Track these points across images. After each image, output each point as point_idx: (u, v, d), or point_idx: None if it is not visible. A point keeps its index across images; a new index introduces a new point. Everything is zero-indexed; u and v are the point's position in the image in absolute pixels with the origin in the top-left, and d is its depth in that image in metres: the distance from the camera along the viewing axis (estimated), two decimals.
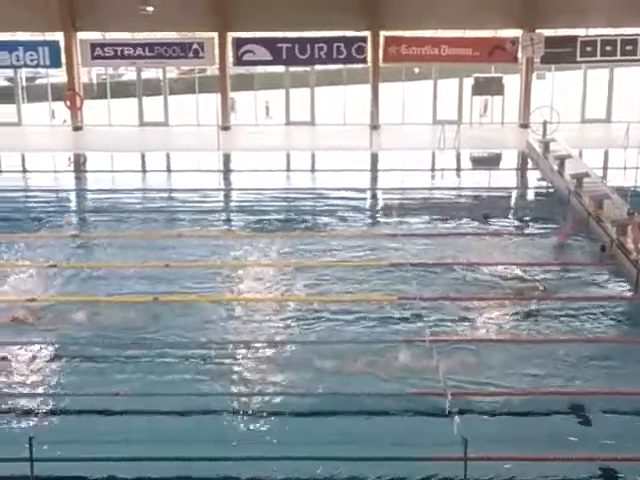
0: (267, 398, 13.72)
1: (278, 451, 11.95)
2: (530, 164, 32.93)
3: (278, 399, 13.70)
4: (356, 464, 11.69)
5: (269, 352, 15.47)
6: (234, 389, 14.05)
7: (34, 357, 15.27)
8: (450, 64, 39.84)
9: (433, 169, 33.94)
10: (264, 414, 13.13)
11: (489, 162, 34.67)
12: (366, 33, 39.23)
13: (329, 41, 39.45)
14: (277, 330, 16.47)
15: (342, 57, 39.68)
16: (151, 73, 43.48)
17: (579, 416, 13.30)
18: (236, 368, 14.75)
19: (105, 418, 13.14)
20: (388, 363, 14.78)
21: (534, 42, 38.42)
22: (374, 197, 29.17)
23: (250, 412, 13.22)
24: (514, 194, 29.51)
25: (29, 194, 29.60)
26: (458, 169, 33.73)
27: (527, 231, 23.84)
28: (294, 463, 11.65)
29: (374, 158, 34.67)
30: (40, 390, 14.02)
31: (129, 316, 17.06)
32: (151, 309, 17.38)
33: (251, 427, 12.80)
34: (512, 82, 40.43)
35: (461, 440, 11.01)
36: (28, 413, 13.17)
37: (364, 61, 39.74)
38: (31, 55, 40.06)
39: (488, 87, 40.76)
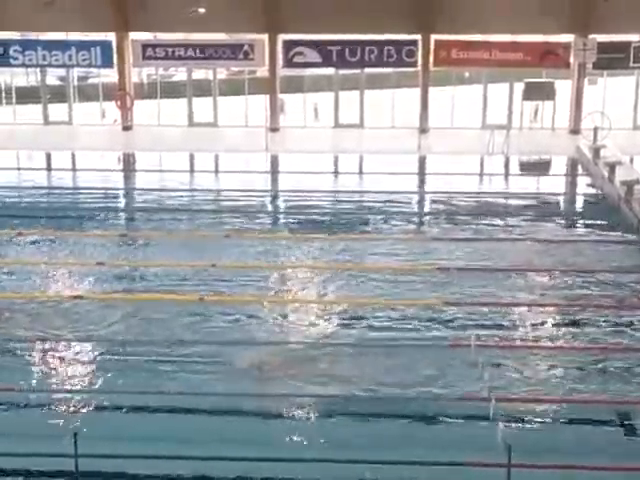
0: (315, 400, 13.69)
1: (330, 454, 11.94)
2: (580, 170, 32.60)
3: (326, 402, 13.66)
4: (398, 467, 11.63)
5: (312, 353, 15.44)
6: (280, 391, 14.02)
7: (81, 353, 15.40)
8: (501, 68, 39.53)
9: (481, 174, 33.73)
10: (317, 415, 13.13)
11: (538, 168, 34.36)
12: (417, 36, 39.08)
13: (379, 44, 39.36)
14: (319, 332, 16.46)
15: (392, 60, 39.57)
16: (201, 74, 43.63)
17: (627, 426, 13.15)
18: (281, 369, 14.74)
19: (150, 415, 13.20)
20: (432, 367, 14.73)
21: (586, 47, 38.03)
22: (421, 200, 29.04)
23: (301, 414, 13.22)
24: (563, 200, 29.23)
25: (79, 192, 29.83)
26: (506, 174, 33.49)
27: (575, 238, 23.60)
28: (338, 466, 11.63)
29: (422, 161, 34.54)
30: (86, 387, 14.10)
31: (172, 314, 17.17)
32: (196, 308, 17.45)
33: (296, 429, 12.79)
34: (563, 87, 40.03)
35: (505, 446, 10.91)
36: (73, 409, 13.26)
37: (414, 64, 39.60)
38: (83, 55, 40.41)
39: (539, 92, 40.36)
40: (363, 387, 13.98)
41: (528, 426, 12.90)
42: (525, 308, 17.82)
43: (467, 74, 42.34)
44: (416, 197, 29.23)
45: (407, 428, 12.89)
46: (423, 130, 38.53)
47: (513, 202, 27.71)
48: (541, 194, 29.15)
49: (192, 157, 36.28)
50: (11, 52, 40.39)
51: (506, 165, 34.00)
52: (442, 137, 38.21)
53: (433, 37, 38.98)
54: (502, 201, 27.88)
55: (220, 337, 16.01)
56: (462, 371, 14.52)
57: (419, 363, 14.85)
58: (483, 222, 24.66)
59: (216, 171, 34.90)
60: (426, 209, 27.92)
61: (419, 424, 12.99)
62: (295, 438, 12.43)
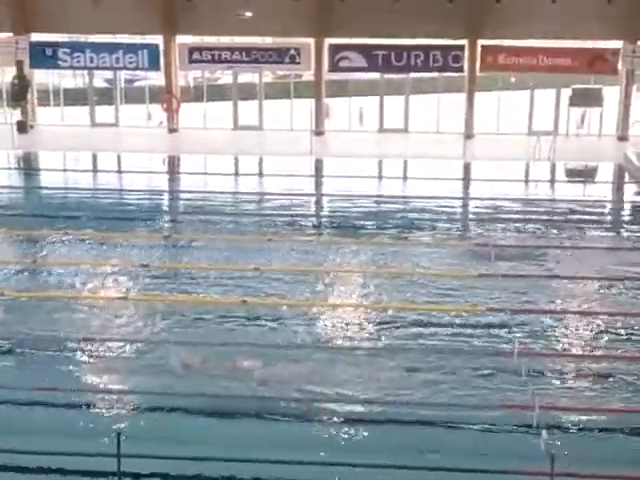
0: (344, 406, 13.67)
1: (376, 459, 11.92)
2: (627, 177, 32.28)
3: (359, 407, 13.64)
4: (440, 474, 11.58)
5: (356, 358, 15.42)
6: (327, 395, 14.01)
7: (123, 354, 15.49)
8: (548, 74, 39.24)
9: (527, 180, 33.48)
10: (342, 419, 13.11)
11: (584, 174, 34.05)
12: (463, 42, 38.92)
13: (425, 49, 39.22)
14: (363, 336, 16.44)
15: (438, 65, 39.41)
16: (247, 77, 43.74)
17: None
18: (329, 372, 14.73)
19: (190, 417, 13.24)
20: (472, 374, 14.66)
21: (635, 54, 37.64)
22: (465, 206, 28.91)
23: (335, 419, 13.21)
24: (610, 207, 28.95)
25: (124, 194, 30.06)
26: (552, 181, 33.24)
27: (624, 245, 23.39)
28: (382, 471, 11.61)
29: (467, 167, 34.39)
30: (129, 388, 14.17)
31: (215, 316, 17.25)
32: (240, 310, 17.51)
33: (334, 432, 12.78)
34: (611, 94, 39.64)
35: (548, 455, 10.81)
36: (117, 410, 13.34)
37: (460, 70, 39.42)
38: (130, 58, 40.67)
39: (586, 98, 39.94)
40: (398, 393, 13.96)
41: (572, 435, 12.78)
42: (573, 316, 17.66)
43: (513, 79, 42.04)
44: (461, 203, 29.09)
45: (449, 435, 12.82)
46: (468, 136, 38.34)
47: (558, 209, 27.48)
48: (587, 201, 28.87)
49: (237, 160, 36.38)
50: (60, 54, 40.76)
51: (552, 172, 33.71)
52: (488, 143, 38.00)
53: (480, 42, 38.78)
54: (547, 208, 27.65)
55: (261, 340, 16.03)
56: (506, 378, 14.43)
57: (462, 370, 14.79)
58: (528, 228, 24.49)
59: (260, 174, 34.97)
60: (470, 215, 27.78)
61: (462, 431, 12.91)
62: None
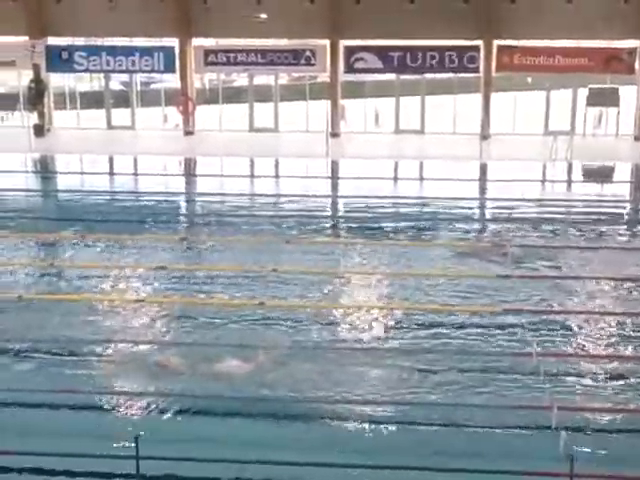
0: (363, 407, 13.65)
1: (395, 460, 11.90)
2: None
3: (378, 408, 13.61)
4: (459, 475, 11.54)
5: (371, 359, 15.40)
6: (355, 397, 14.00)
7: (140, 356, 15.50)
8: (564, 74, 39.11)
9: (544, 180, 33.39)
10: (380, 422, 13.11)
11: (601, 174, 33.92)
12: (478, 42, 38.85)
13: (441, 50, 39.19)
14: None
15: (454, 66, 39.39)
16: (262, 79, 43.77)
17: None
18: (347, 373, 14.71)
19: (209, 419, 13.24)
20: (491, 374, 14.62)
21: None
22: (483, 207, 28.84)
23: (354, 420, 13.19)
24: (627, 207, 28.83)
25: (141, 196, 30.10)
26: (569, 181, 33.12)
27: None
28: (400, 473, 11.59)
29: (483, 168, 34.31)
30: (147, 390, 14.18)
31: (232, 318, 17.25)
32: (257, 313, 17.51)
33: (371, 435, 12.77)
34: (628, 93, 39.48)
35: (567, 456, 10.76)
36: (135, 412, 13.35)
37: (476, 70, 39.36)
38: (146, 60, 40.79)
39: (603, 98, 39.77)
40: (417, 393, 13.94)
41: (591, 435, 12.71)
42: (593, 316, 17.58)
43: (529, 80, 41.93)
44: (478, 203, 29.03)
45: (468, 436, 12.77)
46: (484, 136, 38.25)
47: (576, 209, 27.39)
48: (604, 201, 28.75)
49: (252, 162, 36.41)
50: (76, 57, 40.92)
51: (569, 172, 33.59)
52: (504, 143, 37.91)
53: (495, 42, 38.72)
54: (565, 209, 27.55)
55: (278, 341, 16.03)
56: (524, 379, 14.38)
57: (481, 370, 14.75)
58: (546, 228, 24.42)
59: (276, 176, 34.98)
60: (488, 215, 27.70)
61: (480, 432, 12.86)
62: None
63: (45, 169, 36.12)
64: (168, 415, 13.21)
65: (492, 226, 25.37)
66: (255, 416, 13.17)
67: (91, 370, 14.77)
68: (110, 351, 15.72)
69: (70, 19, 39.78)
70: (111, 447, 11.95)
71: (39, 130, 40.02)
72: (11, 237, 23.20)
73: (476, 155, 34.69)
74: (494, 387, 14.17)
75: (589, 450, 11.98)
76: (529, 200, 27.99)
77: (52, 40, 40.92)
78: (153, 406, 13.47)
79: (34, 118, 40.54)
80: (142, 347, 15.95)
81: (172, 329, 16.80)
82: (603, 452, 12.12)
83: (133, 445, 10.82)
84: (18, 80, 42.83)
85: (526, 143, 38.10)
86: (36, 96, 40.53)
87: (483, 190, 32.10)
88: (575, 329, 16.93)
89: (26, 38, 40.19)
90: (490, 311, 17.63)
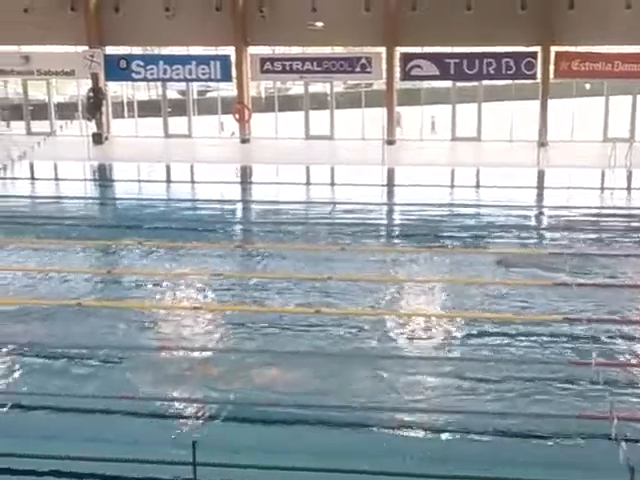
0: (421, 415, 13.55)
1: (452, 469, 11.82)
2: None
3: (434, 417, 13.50)
4: None
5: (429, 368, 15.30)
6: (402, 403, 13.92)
7: (197, 364, 15.55)
8: (623, 80, 38.66)
9: (602, 188, 32.96)
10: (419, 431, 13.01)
11: None
12: (536, 48, 38.55)
13: (498, 56, 38.98)
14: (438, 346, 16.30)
15: (511, 72, 39.14)
16: (318, 87, 43.88)
17: None
18: (404, 381, 14.63)
19: (264, 426, 13.23)
20: (550, 383, 14.45)
21: None
22: (540, 215, 28.56)
23: (411, 429, 13.12)
24: None
25: (197, 204, 30.27)
26: (629, 188, 32.68)
27: None
28: None
29: (541, 175, 33.99)
30: (204, 397, 14.21)
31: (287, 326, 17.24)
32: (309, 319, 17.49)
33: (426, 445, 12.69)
34: None
35: (628, 467, 10.58)
36: (193, 418, 13.38)
37: (533, 77, 39.07)
38: (203, 69, 41.10)
39: None
40: (474, 402, 13.82)
41: None
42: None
43: (588, 86, 41.52)
44: (535, 211, 28.76)
45: (525, 445, 12.62)
46: (542, 143, 37.92)
47: (635, 217, 27.01)
48: None
49: (308, 170, 36.45)
50: (134, 67, 41.35)
51: (629, 179, 33.15)
52: (562, 150, 37.54)
53: (553, 49, 38.39)
54: (624, 216, 27.18)
55: (334, 349, 15.99)
56: (584, 388, 14.19)
57: (538, 379, 14.59)
58: (602, 237, 24.10)
59: (332, 184, 34.98)
60: (545, 223, 27.42)
61: (538, 442, 12.70)
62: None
63: (103, 177, 36.50)
64: (224, 422, 13.22)
65: (550, 234, 25.12)
66: (310, 424, 13.14)
67: (147, 376, 14.84)
68: (166, 358, 15.79)
69: (128, 28, 40.22)
70: (168, 453, 11.98)
71: (97, 138, 40.52)
72: (70, 244, 23.44)
73: (533, 162, 34.37)
74: (553, 396, 13.99)
75: None
76: (586, 208, 27.65)
77: (110, 49, 41.40)
78: (209, 413, 13.49)
79: (93, 127, 41.02)
80: (197, 354, 16.00)
81: (227, 336, 16.81)
82: None
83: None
84: (77, 89, 43.37)
85: (584, 150, 37.70)
86: (95, 105, 41.03)
87: (540, 197, 31.80)
88: (636, 338, 16.67)
89: (85, 48, 40.69)
90: (549, 319, 17.43)
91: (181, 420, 13.35)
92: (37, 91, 44.73)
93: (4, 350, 15.93)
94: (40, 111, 43.89)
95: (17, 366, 15.40)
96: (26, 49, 41.90)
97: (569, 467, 11.92)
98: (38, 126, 42.96)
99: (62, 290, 19.68)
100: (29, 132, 43.11)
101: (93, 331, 16.95)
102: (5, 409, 13.57)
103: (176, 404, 13.88)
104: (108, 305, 18.57)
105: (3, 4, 40.37)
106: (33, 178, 35.76)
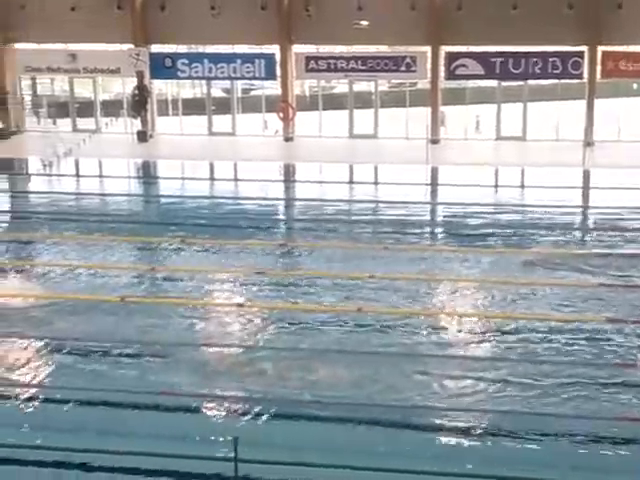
0: (462, 416, 13.47)
1: (494, 471, 11.77)
2: None
3: (475, 418, 13.41)
4: None
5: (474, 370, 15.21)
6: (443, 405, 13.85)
7: (242, 359, 15.58)
8: None
9: None
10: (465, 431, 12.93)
11: None
12: (583, 48, 38.20)
13: (544, 56, 38.67)
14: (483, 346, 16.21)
15: (557, 72, 38.80)
16: (362, 86, 43.79)
17: None
18: (446, 382, 14.56)
19: (306, 423, 13.22)
20: (593, 386, 14.30)
21: None
22: (585, 215, 28.30)
23: (453, 430, 13.05)
24: None
25: (241, 202, 30.34)
26: None
27: None
28: None
29: (586, 175, 33.67)
30: (245, 393, 14.22)
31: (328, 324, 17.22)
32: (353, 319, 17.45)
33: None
34: None
35: None
36: (233, 414, 13.40)
37: (580, 76, 38.72)
38: (247, 67, 41.18)
39: None
40: (515, 403, 13.71)
41: None
42: None
43: (635, 86, 41.07)
44: (580, 211, 28.50)
45: (569, 448, 12.50)
46: (588, 143, 37.56)
47: None
48: None
49: (352, 168, 36.40)
50: (179, 65, 41.52)
51: None
52: (609, 150, 37.17)
53: (600, 48, 38.01)
54: None
55: (376, 348, 15.95)
56: (629, 390, 14.03)
57: (582, 381, 14.45)
58: None
59: (375, 182, 34.91)
60: (590, 224, 27.16)
61: (581, 444, 12.56)
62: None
63: (147, 174, 36.71)
64: (265, 419, 13.22)
65: (595, 234, 24.89)
66: (352, 422, 13.11)
67: (190, 373, 14.89)
68: (208, 354, 15.84)
69: (173, 27, 40.39)
70: (209, 449, 12.01)
71: (142, 136, 40.74)
72: (114, 240, 23.59)
73: (579, 162, 34.05)
74: (596, 398, 13.84)
75: None
76: (632, 208, 27.34)
77: (156, 48, 41.62)
78: (251, 409, 13.49)
79: (137, 124, 41.27)
80: (239, 351, 16.03)
81: (269, 333, 16.82)
82: None
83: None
84: (122, 87, 43.68)
85: (631, 150, 37.28)
86: (140, 103, 41.24)
87: (586, 197, 31.52)
88: None
89: (131, 46, 40.94)
90: (592, 320, 17.25)
91: (222, 416, 13.38)
92: (83, 89, 45.07)
93: (48, 345, 16.05)
94: (86, 109, 44.21)
95: (60, 361, 15.52)
96: (73, 47, 42.25)
97: (614, 471, 11.79)
98: (84, 123, 43.27)
99: (106, 286, 19.81)
100: (75, 129, 43.43)
101: (136, 327, 17.05)
102: (48, 405, 13.74)
103: (217, 400, 13.91)
104: (151, 301, 18.67)
105: (51, 2, 40.73)
106: (78, 175, 36.02)
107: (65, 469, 11.91)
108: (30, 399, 13.93)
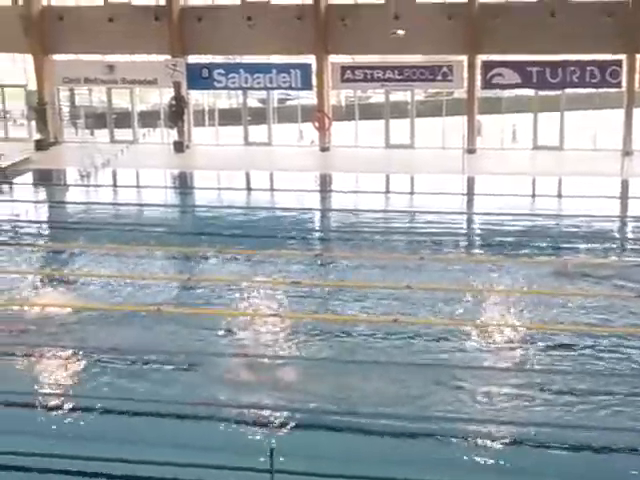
0: (498, 427, 13.37)
1: None
2: None
3: (512, 428, 13.31)
4: None
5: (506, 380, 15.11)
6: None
7: (278, 371, 15.57)
8: None
9: None
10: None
11: None
12: (621, 56, 37.90)
13: (581, 65, 38.35)
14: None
15: (595, 81, 38.46)
16: (398, 95, 43.68)
17: None
18: (483, 393, 14.48)
19: (339, 435, 13.18)
20: (629, 397, 14.19)
21: None
22: (623, 225, 28.05)
23: (490, 440, 12.95)
24: None
25: (277, 212, 30.36)
26: None
27: None
28: None
29: (625, 185, 33.38)
30: (282, 404, 14.20)
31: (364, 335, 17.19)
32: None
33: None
34: None
35: None
36: (269, 425, 13.40)
37: (618, 85, 38.39)
38: (283, 77, 41.23)
39: None
40: (550, 415, 13.59)
41: None
42: None
43: None
44: (618, 221, 28.26)
45: (607, 458, 12.39)
46: (627, 152, 37.24)
47: None
48: None
49: (388, 178, 36.33)
50: (215, 75, 41.65)
51: None
52: None
53: (639, 57, 37.68)
54: None
55: (411, 359, 15.90)
56: None
57: (618, 392, 14.33)
58: None
59: (412, 192, 34.80)
60: (628, 234, 26.92)
61: (617, 455, 12.46)
62: None
63: (184, 185, 36.85)
64: (301, 430, 13.20)
65: (633, 245, 24.67)
66: (387, 434, 13.07)
67: (224, 383, 14.91)
68: (243, 364, 15.85)
69: (210, 38, 40.52)
70: (245, 459, 12.01)
71: (179, 146, 40.91)
72: (151, 251, 23.70)
73: (617, 172, 33.77)
74: (632, 409, 13.72)
75: None
76: None
77: (192, 58, 41.81)
78: (286, 420, 13.48)
79: (174, 135, 41.46)
80: (274, 362, 16.02)
81: (304, 344, 16.82)
82: None
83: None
84: (159, 98, 43.91)
85: None
86: (176, 113, 41.42)
87: (624, 207, 31.25)
88: None
89: (168, 57, 41.16)
90: (631, 332, 17.09)
91: (258, 427, 13.37)
92: (120, 99, 45.35)
93: (86, 355, 16.14)
94: (123, 119, 44.46)
95: (98, 370, 15.60)
96: (110, 58, 42.55)
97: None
98: (121, 134, 43.53)
99: (142, 295, 19.92)
100: (112, 140, 43.68)
101: (172, 337, 17.10)
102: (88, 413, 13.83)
103: (253, 411, 13.91)
104: (187, 311, 18.72)
105: (89, 14, 41.07)
106: (115, 185, 36.23)
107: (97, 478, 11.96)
108: (73, 409, 14.03)
